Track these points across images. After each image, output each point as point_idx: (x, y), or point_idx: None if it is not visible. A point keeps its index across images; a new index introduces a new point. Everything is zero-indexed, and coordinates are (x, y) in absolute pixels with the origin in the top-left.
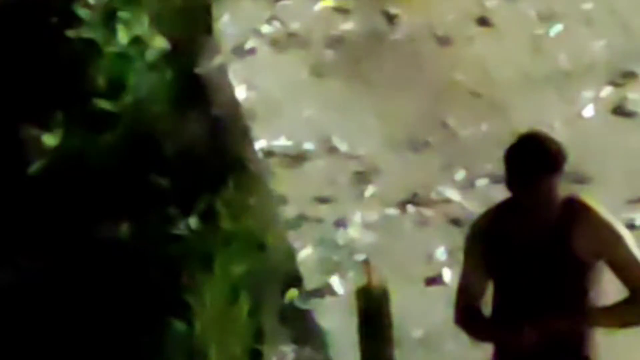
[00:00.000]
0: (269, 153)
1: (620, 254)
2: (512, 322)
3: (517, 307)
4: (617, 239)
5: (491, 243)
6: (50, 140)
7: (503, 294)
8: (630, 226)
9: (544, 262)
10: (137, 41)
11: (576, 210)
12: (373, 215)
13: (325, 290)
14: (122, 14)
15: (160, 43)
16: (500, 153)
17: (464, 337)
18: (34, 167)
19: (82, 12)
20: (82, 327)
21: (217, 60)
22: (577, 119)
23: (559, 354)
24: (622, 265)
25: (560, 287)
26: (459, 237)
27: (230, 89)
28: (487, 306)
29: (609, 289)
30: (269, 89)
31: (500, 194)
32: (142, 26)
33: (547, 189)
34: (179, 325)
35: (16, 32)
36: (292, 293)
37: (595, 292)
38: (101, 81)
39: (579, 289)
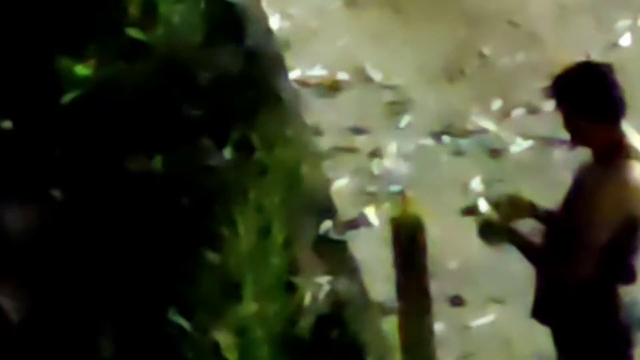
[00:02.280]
0: (303, 83)
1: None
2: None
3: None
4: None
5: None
6: (83, 70)
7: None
8: None
9: (571, 209)
10: None
11: (611, 169)
12: (408, 146)
13: (360, 222)
14: None
15: None
16: (536, 83)
17: (499, 268)
18: (67, 97)
19: None
20: (115, 259)
21: None
22: (613, 48)
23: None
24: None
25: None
26: (494, 167)
27: (264, 18)
28: None
29: None
30: (303, 19)
31: (536, 123)
32: None
33: (574, 127)
34: (213, 257)
35: None
36: (327, 224)
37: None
38: (134, 11)
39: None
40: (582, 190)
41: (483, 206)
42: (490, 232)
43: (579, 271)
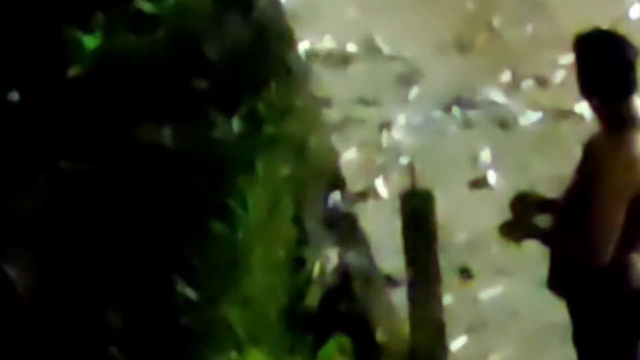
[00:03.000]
0: (312, 55)
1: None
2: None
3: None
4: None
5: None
6: (91, 42)
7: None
8: None
9: (584, 184)
10: None
11: (621, 141)
12: (417, 118)
13: (369, 193)
14: None
15: None
16: (545, 54)
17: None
18: (75, 69)
19: None
20: (123, 231)
21: None
22: (623, 20)
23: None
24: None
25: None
26: (504, 140)
27: None
28: None
29: None
30: None
31: (546, 95)
32: None
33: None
34: (221, 229)
35: None
36: (336, 196)
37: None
38: None
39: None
40: (592, 163)
41: (492, 178)
42: (508, 230)
43: (598, 251)
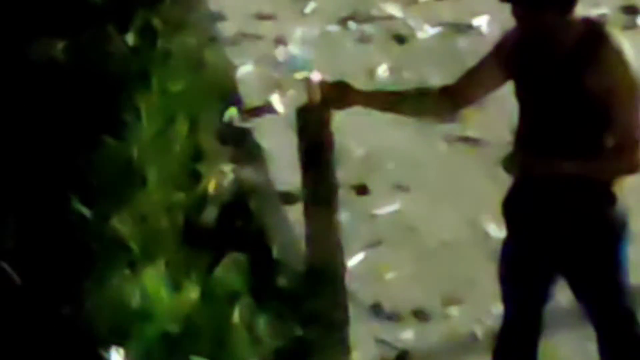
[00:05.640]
0: None
1: (623, 102)
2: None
3: (534, 137)
4: (629, 87)
5: (517, 60)
6: None
7: (524, 121)
8: None
9: (556, 91)
10: None
11: (594, 41)
12: (314, 32)
13: (265, 109)
14: None
15: None
16: None
17: (405, 156)
18: None
19: None
20: (15, 146)
21: None
22: None
23: (574, 187)
24: (618, 113)
25: (572, 123)
26: (401, 54)
27: None
28: None
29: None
30: None
31: (443, 9)
32: None
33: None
34: (115, 144)
35: None
36: (232, 111)
37: (608, 139)
38: None
39: (591, 129)
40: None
41: None
42: (509, 163)
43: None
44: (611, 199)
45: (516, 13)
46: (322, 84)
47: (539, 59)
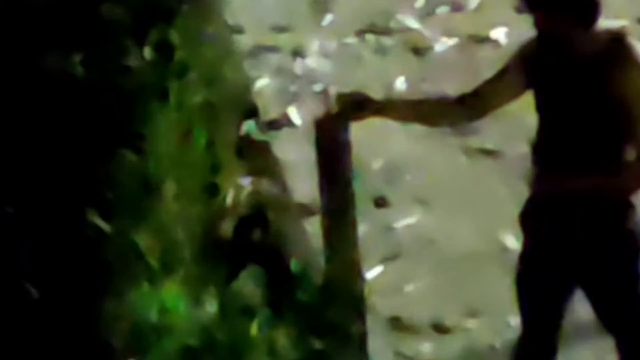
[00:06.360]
0: None
1: None
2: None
3: (553, 150)
4: None
5: (538, 71)
6: None
7: (544, 134)
8: None
9: (578, 103)
10: None
11: (616, 52)
12: (331, 44)
13: (282, 121)
14: None
15: None
16: None
17: (424, 168)
18: None
19: None
20: (32, 161)
21: None
22: None
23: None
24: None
25: (593, 135)
26: (418, 66)
27: None
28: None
29: None
30: None
31: (461, 21)
32: None
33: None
34: (132, 158)
35: None
36: (249, 124)
37: (629, 152)
38: None
39: (611, 141)
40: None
41: None
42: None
43: None
44: (630, 210)
45: (539, 25)
46: (340, 96)
47: (560, 71)
